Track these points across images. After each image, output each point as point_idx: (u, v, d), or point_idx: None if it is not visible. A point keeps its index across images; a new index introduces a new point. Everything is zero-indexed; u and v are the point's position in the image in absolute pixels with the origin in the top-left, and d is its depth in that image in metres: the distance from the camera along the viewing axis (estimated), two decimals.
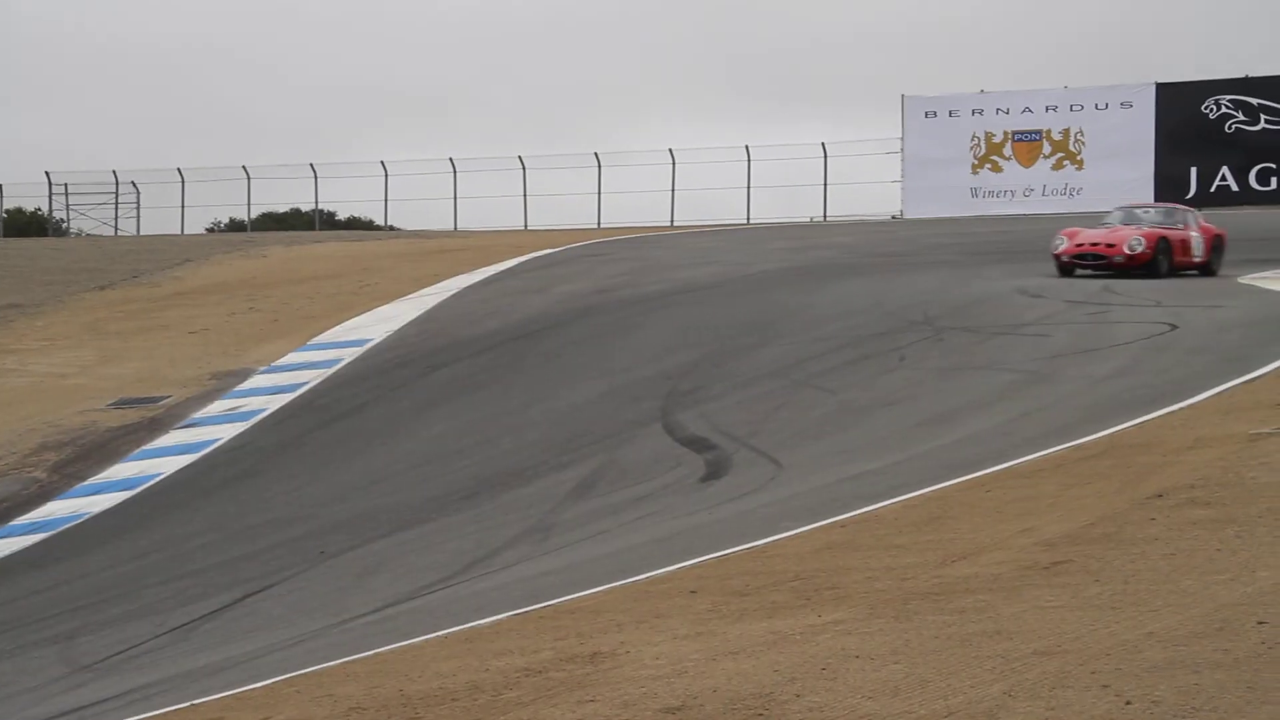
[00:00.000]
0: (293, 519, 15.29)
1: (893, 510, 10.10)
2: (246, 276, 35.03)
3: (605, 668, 6.70)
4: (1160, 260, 26.53)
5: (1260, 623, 6.06)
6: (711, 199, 60.83)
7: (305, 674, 7.86)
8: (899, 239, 37.01)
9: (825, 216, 49.18)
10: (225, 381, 23.39)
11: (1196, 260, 27.45)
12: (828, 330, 20.94)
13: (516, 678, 6.74)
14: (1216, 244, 28.00)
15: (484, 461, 16.29)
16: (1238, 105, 45.87)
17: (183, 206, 53.19)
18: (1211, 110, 46.09)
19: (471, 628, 8.34)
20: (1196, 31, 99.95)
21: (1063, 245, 26.86)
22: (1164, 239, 26.80)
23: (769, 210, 49.45)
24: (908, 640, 6.48)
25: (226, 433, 20.02)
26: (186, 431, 20.53)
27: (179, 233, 51.81)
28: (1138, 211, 29.20)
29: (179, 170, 52.72)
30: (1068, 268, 26.74)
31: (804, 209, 50.40)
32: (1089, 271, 26.51)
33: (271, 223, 56.78)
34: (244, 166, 52.76)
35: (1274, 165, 45.58)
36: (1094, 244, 26.74)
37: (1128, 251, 26.35)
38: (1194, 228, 27.82)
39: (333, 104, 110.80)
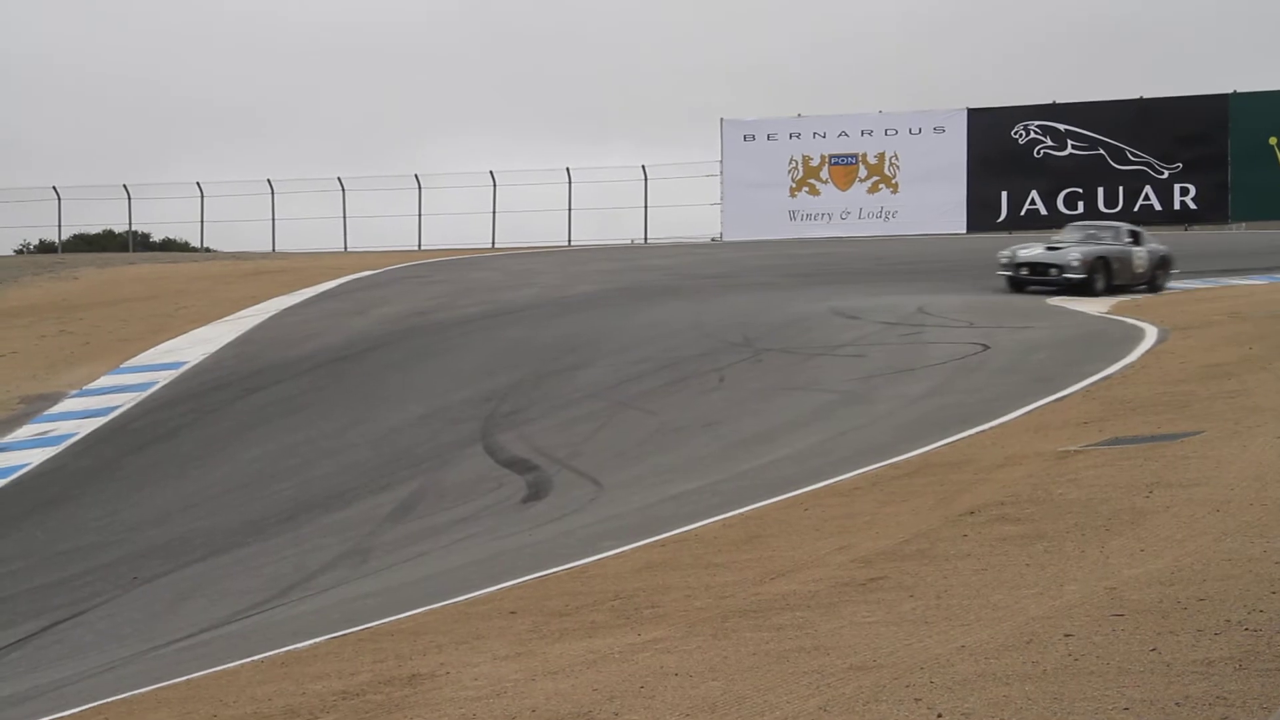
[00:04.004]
0: (105, 544, 14.97)
1: (712, 529, 10.16)
2: (57, 299, 34.25)
3: (424, 689, 6.65)
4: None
5: (1067, 635, 6.19)
6: (533, 221, 60.87)
7: (115, 701, 7.71)
8: (718, 261, 37.30)
9: (645, 239, 49.44)
10: (35, 405, 22.84)
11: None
12: (648, 352, 21.02)
13: (333, 701, 6.67)
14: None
15: (302, 485, 16.09)
16: (1045, 131, 47.05)
17: None
18: (1021, 135, 47.21)
19: (288, 651, 8.24)
20: (1007, 57, 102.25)
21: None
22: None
23: (590, 232, 49.40)
24: (725, 657, 6.52)
25: (36, 457, 19.54)
26: None
27: None
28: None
29: None
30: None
31: (624, 231, 50.58)
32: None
33: (84, 245, 55.49)
34: (54, 187, 51.64)
35: (1080, 189, 46.79)
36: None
37: None
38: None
39: (146, 124, 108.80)
